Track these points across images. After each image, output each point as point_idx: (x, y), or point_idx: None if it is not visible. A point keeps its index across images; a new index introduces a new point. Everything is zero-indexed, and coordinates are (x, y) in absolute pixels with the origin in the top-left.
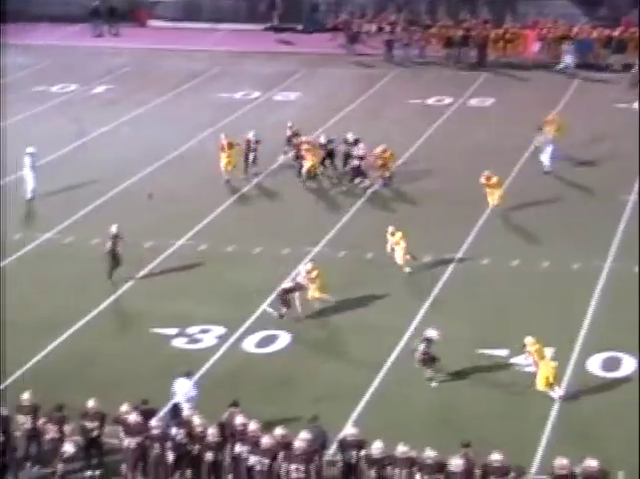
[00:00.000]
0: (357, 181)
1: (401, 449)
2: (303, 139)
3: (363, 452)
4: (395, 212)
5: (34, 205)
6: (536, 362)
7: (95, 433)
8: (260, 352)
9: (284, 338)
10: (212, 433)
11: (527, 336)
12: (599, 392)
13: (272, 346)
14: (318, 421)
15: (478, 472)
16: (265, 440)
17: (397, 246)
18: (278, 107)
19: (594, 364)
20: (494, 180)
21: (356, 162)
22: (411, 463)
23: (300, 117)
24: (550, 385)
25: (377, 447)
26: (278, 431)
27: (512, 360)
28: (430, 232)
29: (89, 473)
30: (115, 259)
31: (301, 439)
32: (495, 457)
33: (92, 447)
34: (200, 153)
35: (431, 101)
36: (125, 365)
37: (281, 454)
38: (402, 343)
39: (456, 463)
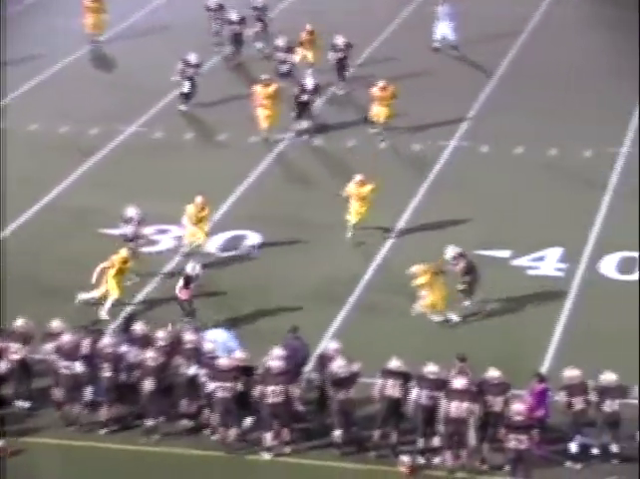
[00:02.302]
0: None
1: (394, 364)
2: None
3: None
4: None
5: None
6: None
7: (18, 355)
8: (226, 256)
9: (253, 239)
10: (162, 345)
11: (415, 266)
12: (614, 297)
13: (240, 249)
14: (298, 332)
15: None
16: (223, 361)
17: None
18: None
19: (609, 266)
20: (367, 188)
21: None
22: (404, 378)
23: None
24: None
25: (339, 365)
26: (239, 354)
27: (516, 262)
28: (425, 110)
29: (18, 402)
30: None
31: (276, 357)
32: (493, 374)
33: (18, 371)
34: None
35: None
36: (71, 268)
37: (258, 376)
38: (387, 245)
39: (459, 381)
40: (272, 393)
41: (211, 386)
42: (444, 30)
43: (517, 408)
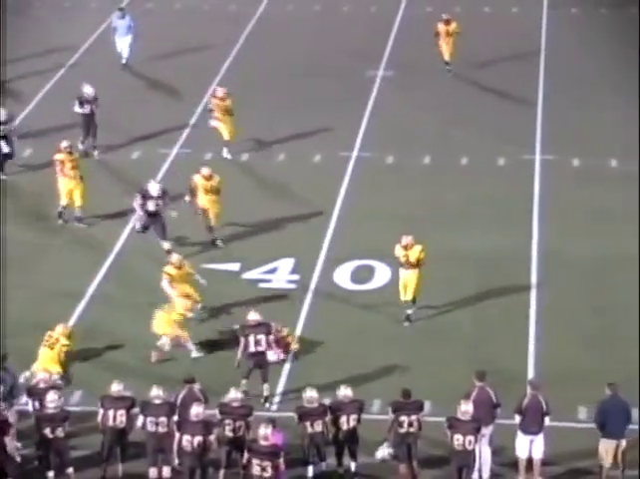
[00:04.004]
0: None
1: (115, 388)
2: None
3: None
4: None
5: None
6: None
7: None
8: None
9: None
10: None
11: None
12: (348, 307)
13: None
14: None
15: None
16: None
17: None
18: None
19: (342, 276)
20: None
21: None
22: (128, 406)
23: None
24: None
25: (50, 400)
26: None
27: (246, 276)
28: None
29: None
30: None
31: None
32: (233, 395)
33: None
34: None
35: None
36: None
37: None
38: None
39: (194, 411)
40: None
41: None
42: (121, 45)
43: (264, 432)
